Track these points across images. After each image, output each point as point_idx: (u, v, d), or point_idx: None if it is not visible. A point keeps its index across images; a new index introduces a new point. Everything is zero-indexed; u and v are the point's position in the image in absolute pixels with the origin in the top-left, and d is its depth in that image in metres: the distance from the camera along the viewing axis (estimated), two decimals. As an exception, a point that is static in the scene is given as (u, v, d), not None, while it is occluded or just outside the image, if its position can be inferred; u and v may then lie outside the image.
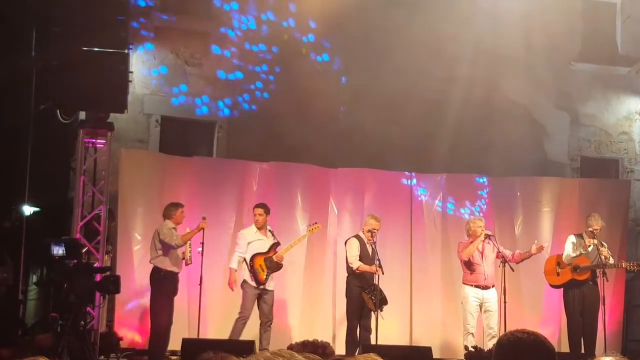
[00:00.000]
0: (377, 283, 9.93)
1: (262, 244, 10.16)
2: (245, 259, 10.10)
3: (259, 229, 10.20)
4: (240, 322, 9.92)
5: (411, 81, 12.78)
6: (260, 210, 10.23)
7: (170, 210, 9.92)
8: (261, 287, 10.00)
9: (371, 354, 1.80)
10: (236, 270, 10.15)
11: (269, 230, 10.31)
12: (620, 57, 14.80)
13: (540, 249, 10.35)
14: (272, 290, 10.14)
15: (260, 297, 10.03)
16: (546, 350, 3.18)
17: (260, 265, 10.00)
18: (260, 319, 10.05)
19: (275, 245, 10.20)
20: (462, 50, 12.97)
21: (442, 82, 12.91)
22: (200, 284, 9.96)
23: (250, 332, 10.08)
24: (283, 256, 10.19)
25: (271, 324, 10.05)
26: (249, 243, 10.13)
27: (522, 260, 10.45)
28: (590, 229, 10.32)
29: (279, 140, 12.32)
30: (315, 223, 10.72)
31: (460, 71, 12.91)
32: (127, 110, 10.64)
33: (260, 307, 10.06)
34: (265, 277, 10.00)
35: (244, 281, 10.09)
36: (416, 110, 12.73)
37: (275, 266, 10.10)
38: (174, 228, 9.81)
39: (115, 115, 10.83)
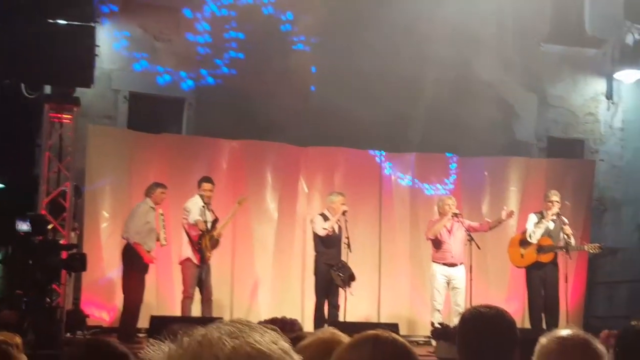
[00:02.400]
0: (345, 260, 9.98)
1: (207, 218, 10.02)
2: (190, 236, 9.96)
3: (205, 204, 10.03)
4: (187, 300, 9.81)
5: (383, 61, 12.79)
6: (209, 186, 10.10)
7: (151, 189, 9.87)
8: (204, 263, 9.90)
9: (329, 327, 1.83)
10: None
11: (209, 208, 10.14)
12: (588, 38, 14.92)
13: (511, 214, 10.47)
14: (209, 265, 10.04)
15: (201, 274, 9.91)
16: (507, 323, 3.27)
17: (206, 244, 9.89)
18: (203, 295, 9.92)
19: (215, 222, 10.06)
20: (434, 30, 12.97)
21: (413, 62, 12.92)
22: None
23: (219, 310, 10.08)
24: (221, 233, 10.07)
25: (211, 298, 9.98)
26: (199, 213, 9.95)
27: (492, 228, 10.55)
28: (549, 201, 10.40)
29: (250, 118, 12.26)
30: (242, 195, 10.57)
31: (431, 51, 12.92)
32: (94, 85, 10.49)
33: (204, 284, 9.92)
34: (209, 255, 9.92)
35: (187, 259, 9.92)
36: (388, 90, 12.74)
37: (216, 243, 10.01)
38: (152, 208, 9.75)
39: (82, 91, 10.68)
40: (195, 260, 9.87)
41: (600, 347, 2.69)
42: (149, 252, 9.75)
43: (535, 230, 10.41)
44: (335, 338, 2.29)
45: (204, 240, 9.87)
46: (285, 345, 1.22)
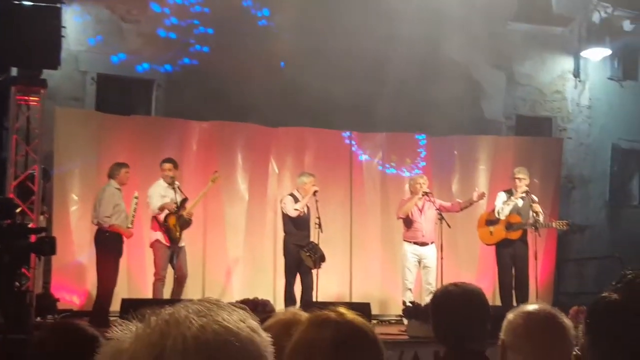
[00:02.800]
0: (317, 241, 10.00)
1: (172, 200, 9.94)
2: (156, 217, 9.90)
3: (169, 184, 9.97)
4: (158, 283, 9.78)
5: (353, 40, 12.79)
6: (169, 166, 10.01)
7: (114, 170, 9.75)
8: (174, 245, 9.83)
9: (290, 308, 1.84)
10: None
11: (177, 187, 10.07)
12: (555, 17, 15.00)
13: (482, 195, 10.52)
14: (184, 246, 9.98)
15: (173, 255, 9.84)
16: (478, 299, 3.33)
17: (174, 224, 9.83)
18: (176, 274, 9.84)
19: (184, 201, 9.98)
20: (403, 9, 12.98)
21: (383, 42, 12.94)
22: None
23: (191, 292, 10.07)
24: (192, 212, 10.01)
25: (186, 279, 9.93)
26: (162, 197, 9.89)
27: (463, 209, 10.61)
28: (516, 178, 10.47)
29: (220, 99, 12.21)
30: (215, 171, 10.47)
31: (400, 30, 12.93)
32: (61, 66, 10.37)
33: (176, 265, 9.84)
34: (179, 235, 9.83)
35: (157, 241, 9.89)
36: (358, 69, 12.76)
37: (185, 223, 9.92)
38: (118, 189, 9.68)
39: (49, 73, 10.54)
40: (164, 242, 9.82)
41: (567, 321, 2.73)
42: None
43: (503, 207, 10.49)
44: (296, 318, 2.30)
45: (170, 220, 9.81)
46: (254, 323, 1.22)
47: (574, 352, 1.33)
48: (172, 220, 9.82)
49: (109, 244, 9.55)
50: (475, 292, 3.40)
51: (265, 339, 1.22)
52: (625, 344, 1.32)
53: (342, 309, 1.81)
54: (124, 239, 9.77)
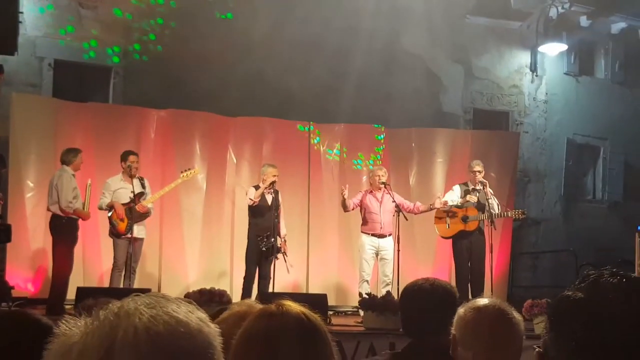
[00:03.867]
0: (277, 231, 9.99)
1: (126, 192, 9.84)
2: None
3: (131, 176, 9.85)
4: (116, 272, 9.70)
5: (314, 32, 12.79)
6: (135, 158, 9.90)
7: (69, 156, 9.60)
8: (125, 236, 9.70)
9: (246, 300, 1.85)
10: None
11: (138, 178, 9.94)
12: (512, 11, 15.13)
13: (445, 204, 10.52)
14: (142, 238, 9.88)
15: (129, 245, 9.74)
16: (442, 293, 3.39)
17: (118, 217, 9.68)
18: (127, 266, 9.73)
19: (139, 195, 9.84)
20: (364, 1, 13.03)
21: (343, 33, 12.96)
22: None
23: (147, 281, 10.03)
24: (147, 205, 9.87)
25: (135, 271, 9.83)
26: (114, 192, 9.80)
27: (423, 212, 10.62)
28: (472, 171, 10.56)
29: (178, 87, 12.16)
30: (189, 169, 10.43)
31: (361, 23, 12.98)
32: (18, 52, 10.24)
33: (129, 255, 9.74)
34: (126, 227, 9.70)
35: (110, 232, 9.80)
36: (318, 61, 12.77)
37: (138, 216, 9.77)
38: (72, 175, 9.56)
39: (6, 58, 10.42)
40: (115, 231, 9.73)
41: (517, 316, 2.76)
42: (77, 220, 9.60)
43: (454, 199, 10.57)
44: (251, 311, 2.31)
45: (113, 215, 9.71)
46: (202, 314, 1.24)
47: (536, 349, 1.36)
48: (116, 213, 9.71)
49: (64, 231, 9.45)
50: (441, 285, 3.46)
51: (213, 329, 1.23)
52: (589, 342, 1.34)
53: (286, 301, 1.82)
54: (79, 226, 9.68)
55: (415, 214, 10.64)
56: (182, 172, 10.34)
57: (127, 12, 12.54)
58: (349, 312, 11.25)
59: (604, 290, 1.39)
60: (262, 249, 9.95)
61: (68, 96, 11.64)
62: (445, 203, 10.52)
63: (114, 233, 9.74)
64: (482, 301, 2.80)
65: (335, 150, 12.33)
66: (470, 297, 10.02)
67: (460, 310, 2.78)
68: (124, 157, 9.89)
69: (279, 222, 10.10)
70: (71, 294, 9.06)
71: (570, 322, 1.39)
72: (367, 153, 12.41)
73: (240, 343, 1.77)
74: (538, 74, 15.31)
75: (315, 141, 12.30)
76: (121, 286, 9.55)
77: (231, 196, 11.69)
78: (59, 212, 9.44)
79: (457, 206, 10.53)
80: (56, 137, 10.84)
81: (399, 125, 12.75)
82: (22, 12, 10.23)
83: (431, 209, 10.58)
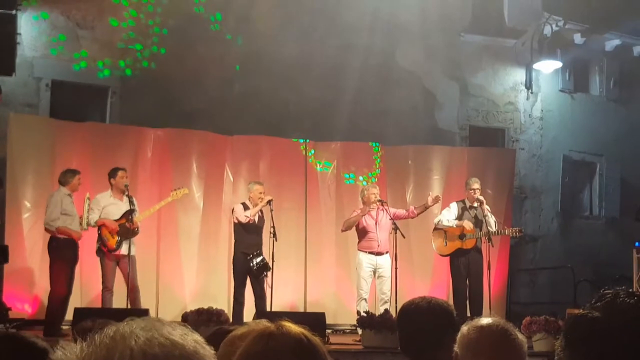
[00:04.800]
0: (272, 250, 9.98)
1: (116, 208, 9.74)
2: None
3: (121, 192, 9.79)
4: (107, 293, 9.55)
5: (309, 49, 12.84)
6: (124, 173, 9.83)
7: (67, 177, 9.57)
8: (115, 253, 9.61)
9: (262, 320, 1.85)
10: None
11: (127, 196, 9.80)
12: (507, 29, 15.22)
13: (437, 199, 10.50)
14: (132, 255, 9.65)
15: (118, 264, 9.66)
16: (440, 312, 3.39)
17: (110, 231, 9.64)
18: (127, 287, 9.58)
19: (130, 212, 9.71)
20: (360, 18, 13.09)
21: (339, 50, 13.02)
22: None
23: (145, 300, 9.99)
24: (138, 223, 9.76)
25: (136, 292, 9.62)
26: (103, 208, 9.69)
27: (419, 214, 10.60)
28: (470, 189, 10.56)
29: (174, 106, 12.20)
30: (180, 188, 10.35)
31: (357, 39, 13.04)
32: (15, 73, 10.29)
33: (122, 274, 9.65)
34: (116, 243, 9.59)
35: (98, 249, 9.69)
36: (313, 78, 12.82)
37: (127, 233, 9.62)
38: (69, 195, 9.54)
39: (3, 79, 10.47)
40: (104, 248, 9.63)
41: (520, 337, 2.75)
42: (76, 240, 9.56)
43: (450, 218, 10.57)
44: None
45: (103, 230, 9.65)
46: (197, 337, 1.24)
47: None
48: (106, 229, 9.69)
49: (61, 251, 9.38)
50: (438, 304, 3.46)
51: (209, 351, 1.24)
52: None
53: (286, 322, 1.82)
54: (79, 245, 9.64)
55: (412, 217, 10.62)
56: (172, 190, 10.31)
57: (123, 32, 12.58)
58: (347, 331, 11.22)
59: (620, 310, 1.40)
60: (251, 267, 9.92)
61: (65, 116, 11.66)
62: (438, 198, 10.50)
63: (102, 251, 9.63)
64: (486, 320, 2.79)
65: (332, 168, 12.34)
66: (468, 314, 10.03)
67: (464, 329, 2.78)
68: (113, 174, 9.83)
69: (275, 240, 10.08)
70: (70, 314, 9.03)
71: (586, 340, 1.40)
72: (364, 170, 12.42)
73: None
74: (533, 91, 15.36)
75: (312, 159, 12.31)
76: (113, 306, 9.49)
77: (228, 214, 11.65)
78: (49, 231, 9.41)
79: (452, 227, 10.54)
80: (54, 156, 10.85)
81: (395, 141, 12.77)
82: (19, 33, 10.28)
83: (426, 209, 10.57)
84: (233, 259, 10.26)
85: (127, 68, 12.63)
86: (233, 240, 11.23)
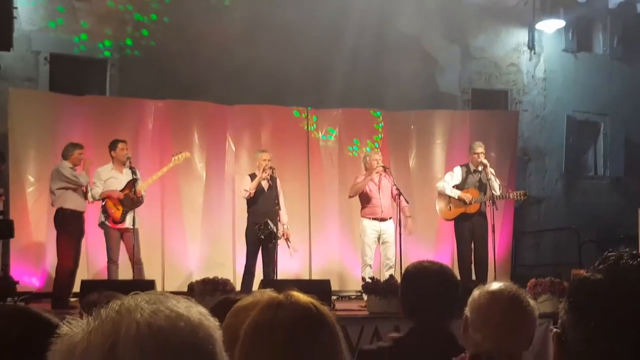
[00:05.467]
0: (278, 219, 9.98)
1: (118, 181, 9.74)
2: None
3: (123, 164, 9.79)
4: (112, 265, 9.60)
5: (306, 14, 12.72)
6: (124, 145, 9.83)
7: (68, 151, 9.55)
8: (119, 225, 9.63)
9: (267, 289, 1.86)
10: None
11: (129, 167, 9.80)
12: (508, -12, 15.06)
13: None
14: (136, 228, 9.61)
15: (122, 236, 9.69)
16: (449, 278, 3.39)
17: (114, 203, 9.65)
18: (131, 259, 9.62)
19: (132, 182, 9.69)
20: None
21: (337, 16, 12.90)
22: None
23: (150, 272, 10.02)
24: (142, 192, 9.76)
25: (140, 264, 9.63)
26: (105, 181, 9.70)
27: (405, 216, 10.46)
28: (474, 153, 10.52)
29: (174, 77, 12.14)
30: (181, 152, 10.27)
31: (354, 3, 12.92)
32: (13, 47, 10.23)
33: (125, 247, 9.68)
34: (121, 215, 9.63)
35: (102, 223, 9.71)
36: (311, 45, 12.72)
37: (132, 203, 9.63)
38: (71, 168, 9.53)
39: (1, 54, 10.42)
40: (108, 223, 9.66)
41: (531, 302, 2.77)
42: (82, 212, 9.57)
43: (445, 187, 10.53)
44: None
45: (108, 202, 9.66)
46: (202, 309, 1.26)
47: (554, 330, 1.37)
48: (110, 202, 9.66)
49: (67, 224, 9.40)
50: (447, 270, 3.46)
51: (213, 323, 1.25)
52: (609, 323, 1.35)
53: (295, 292, 1.83)
54: (85, 218, 9.65)
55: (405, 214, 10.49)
56: (173, 155, 10.26)
57: (120, 3, 12.49)
58: (353, 297, 11.28)
59: (623, 272, 1.40)
60: (260, 237, 9.94)
61: (65, 89, 11.63)
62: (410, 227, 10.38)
63: (106, 224, 9.65)
64: (497, 286, 2.80)
65: (332, 136, 12.32)
66: (473, 278, 10.07)
67: (475, 293, 2.79)
68: (113, 146, 9.82)
69: (279, 209, 10.08)
70: (77, 287, 9.07)
71: (589, 303, 1.40)
72: (366, 138, 12.40)
73: (248, 333, 1.78)
74: (536, 51, 15.23)
75: (314, 127, 12.29)
76: (119, 278, 9.53)
77: (231, 184, 11.69)
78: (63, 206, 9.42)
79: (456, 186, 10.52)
80: (54, 131, 10.85)
81: (396, 107, 12.72)
82: (16, 7, 10.21)
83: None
84: (246, 229, 10.25)
85: (126, 39, 12.56)
86: (236, 210, 11.31)
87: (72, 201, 9.44)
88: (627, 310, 1.35)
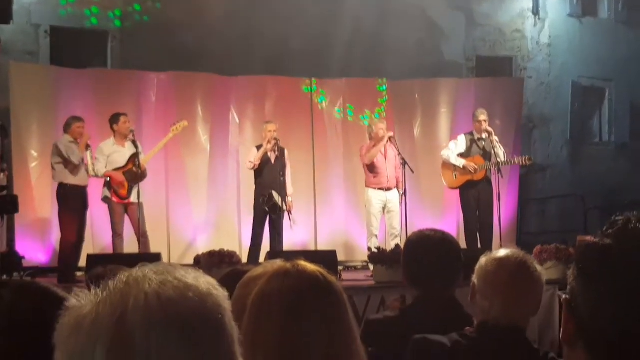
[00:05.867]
0: (283, 190, 9.97)
1: (121, 155, 9.68)
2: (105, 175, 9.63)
3: (125, 137, 9.72)
4: (117, 239, 9.57)
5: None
6: (126, 118, 9.75)
7: (68, 124, 9.53)
8: (125, 200, 9.60)
9: (277, 260, 1.86)
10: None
11: (131, 140, 9.73)
12: (513, -47, 14.93)
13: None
14: (141, 202, 9.58)
15: (127, 210, 9.66)
16: (451, 246, 3.38)
17: (118, 184, 9.57)
18: (136, 233, 9.59)
19: (135, 156, 9.62)
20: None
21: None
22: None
23: (155, 245, 10.02)
24: (145, 166, 9.72)
25: (145, 237, 9.62)
26: (108, 156, 9.62)
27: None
28: (477, 121, 10.48)
29: (175, 49, 12.05)
30: (179, 121, 10.13)
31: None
32: (13, 20, 10.15)
33: (130, 221, 9.66)
34: (127, 191, 9.58)
35: (105, 197, 9.66)
36: (314, 14, 12.60)
37: (136, 178, 9.58)
38: (72, 142, 9.49)
39: (1, 27, 10.34)
40: (112, 197, 9.62)
41: (539, 269, 2.77)
42: (84, 186, 9.54)
43: (450, 156, 10.50)
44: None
45: (112, 182, 9.57)
46: (211, 279, 1.25)
47: (563, 296, 1.36)
48: (113, 183, 9.60)
49: (69, 198, 9.39)
50: (451, 238, 3.45)
51: (222, 292, 1.25)
52: (619, 289, 1.33)
53: (302, 261, 1.82)
54: (88, 192, 9.64)
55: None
56: (171, 126, 10.16)
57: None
58: (359, 267, 11.29)
59: (632, 236, 1.37)
60: (265, 209, 9.93)
61: (66, 63, 11.59)
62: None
63: (110, 198, 9.61)
64: (505, 252, 2.81)
65: (338, 105, 12.28)
66: (479, 246, 10.07)
67: (482, 260, 2.79)
68: (115, 120, 9.73)
69: (285, 181, 10.06)
70: (83, 261, 9.08)
71: (598, 269, 1.38)
72: (371, 107, 12.35)
73: (255, 302, 1.77)
74: (540, 17, 15.12)
75: (318, 97, 12.24)
76: (125, 252, 9.54)
77: (235, 156, 11.67)
78: (64, 181, 9.41)
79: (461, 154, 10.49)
80: (56, 104, 10.82)
81: (400, 76, 12.64)
82: (15, -20, 10.11)
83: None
84: (254, 200, 10.24)
85: (126, 12, 12.47)
86: (241, 182, 11.31)
87: (73, 176, 9.42)
88: (636, 275, 1.33)
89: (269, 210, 9.91)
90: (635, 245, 1.35)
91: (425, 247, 3.37)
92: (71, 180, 9.40)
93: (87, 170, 9.58)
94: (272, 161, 10.11)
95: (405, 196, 10.08)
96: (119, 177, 9.58)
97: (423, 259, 3.34)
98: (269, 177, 10.06)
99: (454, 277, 3.32)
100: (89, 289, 1.21)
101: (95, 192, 9.89)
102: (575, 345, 1.40)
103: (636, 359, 1.27)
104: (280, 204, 9.90)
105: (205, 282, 1.23)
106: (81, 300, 1.19)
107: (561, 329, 1.44)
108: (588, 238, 1.46)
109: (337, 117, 12.27)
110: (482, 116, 10.47)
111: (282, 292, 1.75)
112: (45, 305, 2.18)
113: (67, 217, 9.42)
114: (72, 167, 9.41)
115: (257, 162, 10.02)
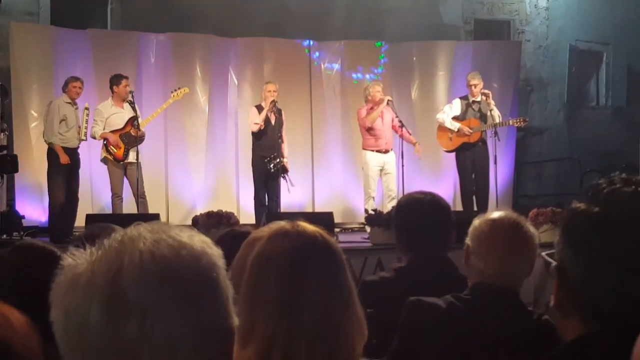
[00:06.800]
0: (282, 151, 9.98)
1: (119, 117, 9.63)
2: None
3: (120, 101, 9.67)
4: (116, 199, 9.58)
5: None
6: (127, 82, 9.68)
7: (66, 83, 9.46)
8: (122, 162, 9.59)
9: (282, 221, 1.88)
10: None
11: (129, 102, 9.68)
12: None
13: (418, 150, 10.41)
14: (138, 162, 9.57)
15: (125, 170, 9.65)
16: (442, 207, 3.42)
17: (114, 145, 9.54)
18: (134, 193, 9.60)
19: (133, 118, 9.59)
20: None
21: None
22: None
23: (154, 206, 10.09)
24: (143, 130, 9.68)
25: (144, 198, 9.64)
26: (106, 118, 9.58)
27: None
28: (469, 85, 10.46)
29: (174, 10, 12.02)
30: (179, 88, 10.10)
31: None
32: (13, -19, 10.15)
33: (129, 181, 9.66)
34: (123, 153, 9.55)
35: (104, 158, 9.67)
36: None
37: (134, 140, 9.54)
38: (68, 102, 9.48)
39: (1, -12, 10.32)
40: (111, 158, 9.62)
41: (531, 229, 2.80)
42: (74, 148, 9.54)
43: (445, 119, 10.50)
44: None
45: (108, 142, 9.55)
46: (205, 238, 1.27)
47: (552, 264, 1.36)
48: (111, 142, 9.57)
49: (56, 158, 9.32)
50: (440, 199, 3.48)
51: (217, 251, 1.26)
52: (609, 256, 1.34)
53: (300, 221, 1.84)
54: (78, 152, 9.59)
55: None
56: (172, 92, 10.15)
57: None
58: (356, 229, 11.35)
59: (620, 201, 1.38)
60: (270, 170, 9.91)
61: (66, 23, 11.54)
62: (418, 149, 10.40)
63: (108, 159, 9.62)
64: (498, 214, 2.82)
65: (336, 68, 12.26)
66: (475, 209, 10.12)
67: (476, 222, 2.81)
68: (117, 81, 9.64)
69: (282, 142, 10.07)
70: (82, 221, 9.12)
71: (588, 237, 1.38)
72: (369, 69, 12.34)
73: (255, 262, 1.78)
74: (539, -21, 15.04)
75: (317, 59, 12.22)
76: (124, 212, 9.56)
77: (234, 118, 11.70)
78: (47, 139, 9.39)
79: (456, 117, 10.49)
80: (56, 65, 10.82)
81: (398, 39, 12.60)
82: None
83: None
84: (252, 162, 10.19)
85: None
86: (240, 143, 11.30)
87: (62, 138, 9.36)
88: (627, 242, 1.34)
89: (274, 172, 9.86)
90: (624, 210, 1.37)
91: (415, 210, 3.40)
92: (59, 142, 9.33)
93: (78, 133, 9.54)
94: (273, 122, 10.01)
95: (402, 159, 10.10)
96: (115, 139, 9.57)
97: (413, 222, 3.38)
98: (269, 139, 10.01)
99: (445, 238, 3.37)
100: (83, 247, 1.23)
101: (95, 153, 9.92)
102: (568, 315, 1.42)
103: (634, 325, 1.23)
104: (283, 165, 9.90)
105: (200, 240, 1.25)
106: (77, 259, 1.21)
107: (552, 296, 1.45)
108: (574, 204, 1.46)
109: (335, 79, 12.26)
110: (473, 80, 10.43)
111: (282, 252, 1.76)
112: (41, 263, 2.26)
113: (53, 177, 9.38)
114: (66, 128, 9.39)
115: (262, 123, 9.99)
